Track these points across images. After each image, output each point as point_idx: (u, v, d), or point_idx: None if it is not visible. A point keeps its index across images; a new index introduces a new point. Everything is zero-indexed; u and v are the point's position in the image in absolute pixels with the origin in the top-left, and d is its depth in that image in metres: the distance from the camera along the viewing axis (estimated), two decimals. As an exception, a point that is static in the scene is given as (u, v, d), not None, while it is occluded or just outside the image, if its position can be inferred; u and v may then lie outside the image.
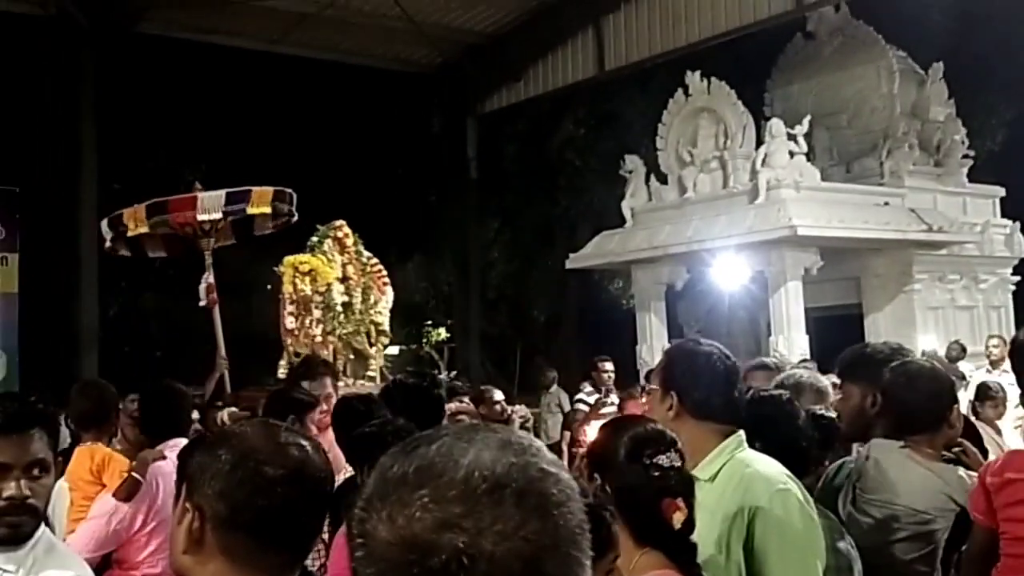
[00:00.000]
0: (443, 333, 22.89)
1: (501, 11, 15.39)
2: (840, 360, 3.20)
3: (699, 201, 13.67)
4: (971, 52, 15.85)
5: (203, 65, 15.96)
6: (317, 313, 7.89)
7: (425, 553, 0.85)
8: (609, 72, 15.07)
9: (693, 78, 13.77)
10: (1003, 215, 15.12)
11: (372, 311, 8.21)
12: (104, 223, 7.58)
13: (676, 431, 2.51)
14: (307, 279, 7.82)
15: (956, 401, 2.91)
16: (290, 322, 7.87)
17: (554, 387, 11.73)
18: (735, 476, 2.50)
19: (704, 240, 13.17)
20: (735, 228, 12.86)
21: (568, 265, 15.12)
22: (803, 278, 13.05)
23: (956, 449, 2.89)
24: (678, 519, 2.18)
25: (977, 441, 3.02)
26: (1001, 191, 15.22)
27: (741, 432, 2.58)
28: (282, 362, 7.86)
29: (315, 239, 8.05)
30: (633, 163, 14.58)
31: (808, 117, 13.32)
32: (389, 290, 8.34)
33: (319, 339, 7.88)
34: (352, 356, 8.18)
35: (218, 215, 7.19)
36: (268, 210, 7.34)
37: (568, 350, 17.23)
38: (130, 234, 7.40)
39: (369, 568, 0.88)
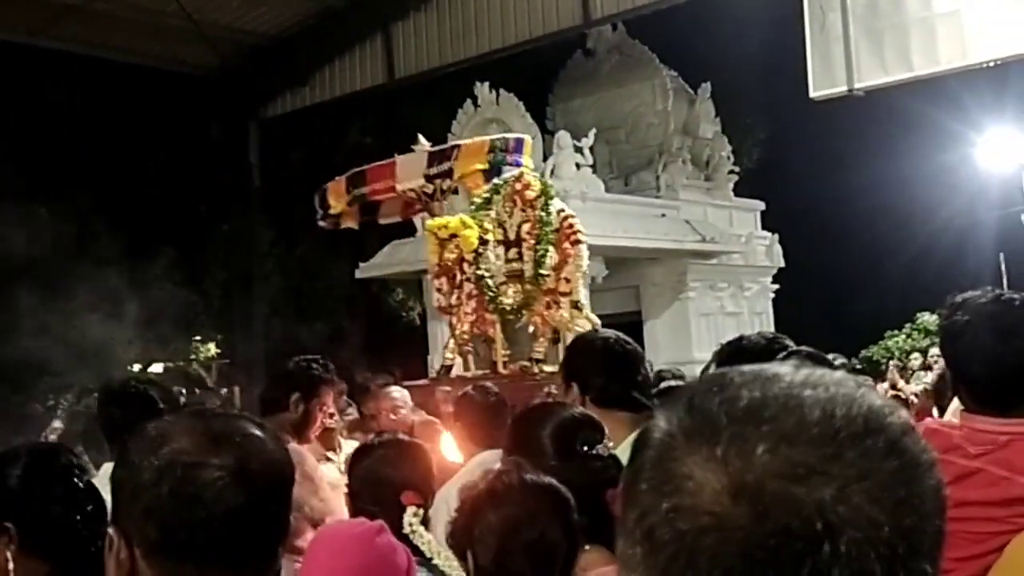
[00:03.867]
0: (212, 349, 21.86)
1: (285, 13, 14.91)
2: (717, 354, 3.24)
3: (490, 211, 13.80)
4: (731, 75, 16.97)
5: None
6: (468, 286, 6.45)
7: (777, 507, 0.64)
8: (399, 80, 14.94)
9: (482, 89, 13.95)
10: (763, 227, 16.29)
11: (548, 279, 6.37)
12: (316, 199, 6.81)
13: None
14: (451, 246, 6.37)
15: None
16: (439, 299, 6.63)
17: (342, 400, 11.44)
18: None
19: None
20: (526, 237, 13.08)
21: (358, 275, 14.85)
22: (589, 287, 13.48)
23: None
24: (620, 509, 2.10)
25: None
26: (761, 205, 16.41)
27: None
28: (450, 344, 6.56)
29: (486, 193, 6.52)
30: (423, 172, 14.53)
31: (594, 130, 13.80)
32: (581, 250, 6.46)
33: (472, 317, 6.41)
34: (545, 335, 6.40)
35: (420, 181, 6.33)
36: (482, 166, 6.38)
37: (355, 363, 16.88)
38: (332, 212, 6.54)
39: (671, 527, 0.66)
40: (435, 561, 2.26)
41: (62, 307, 15.58)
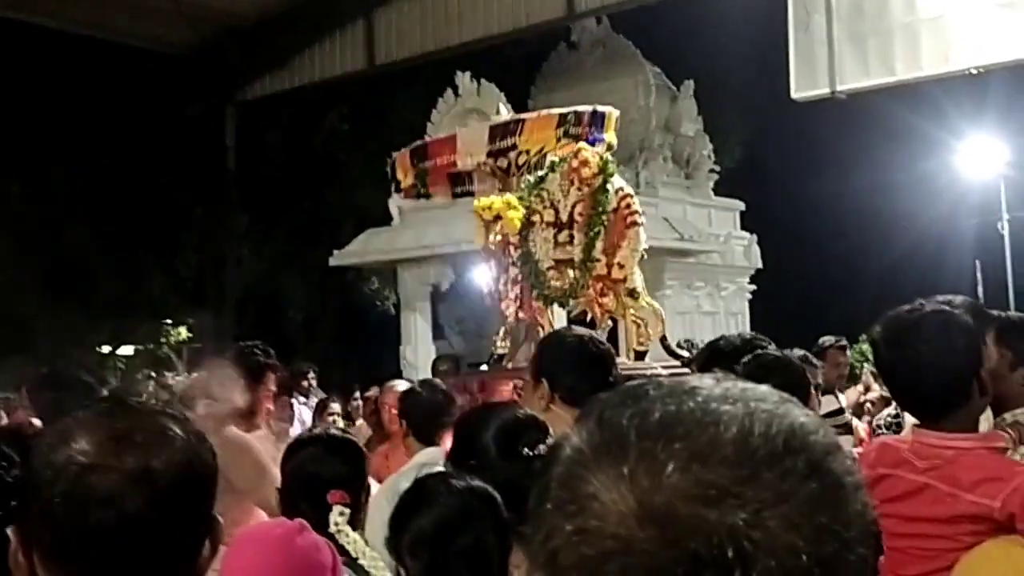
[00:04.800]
0: (184, 333, 21.70)
1: (264, -6, 14.76)
2: (696, 357, 3.18)
3: (468, 201, 13.67)
4: (714, 73, 16.93)
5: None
6: (514, 271, 5.94)
7: (686, 531, 0.59)
8: (379, 67, 14.80)
9: (463, 79, 13.83)
10: (742, 228, 16.26)
11: (599, 264, 5.68)
12: (388, 171, 6.61)
13: (550, 422, 2.40)
14: (496, 228, 5.89)
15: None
16: (488, 283, 6.15)
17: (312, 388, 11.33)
18: None
19: (473, 241, 13.18)
20: (503, 230, 12.99)
21: (332, 262, 14.71)
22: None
23: None
24: None
25: None
26: (741, 205, 16.37)
27: None
28: (500, 331, 6.04)
29: (540, 172, 5.93)
30: (401, 161, 14.43)
31: (578, 123, 13.69)
32: (638, 233, 5.75)
33: (515, 303, 5.90)
34: (604, 324, 5.84)
35: (481, 157, 5.95)
36: (549, 142, 5.90)
37: (328, 351, 16.78)
38: (403, 186, 6.29)
39: (575, 551, 0.60)
40: (360, 561, 2.24)
41: (31, 287, 15.37)
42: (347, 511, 2.38)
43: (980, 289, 20.64)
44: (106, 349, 19.00)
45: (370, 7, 14.56)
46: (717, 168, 16.12)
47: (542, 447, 2.14)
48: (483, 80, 13.76)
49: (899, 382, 2.25)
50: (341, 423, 6.88)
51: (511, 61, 15.73)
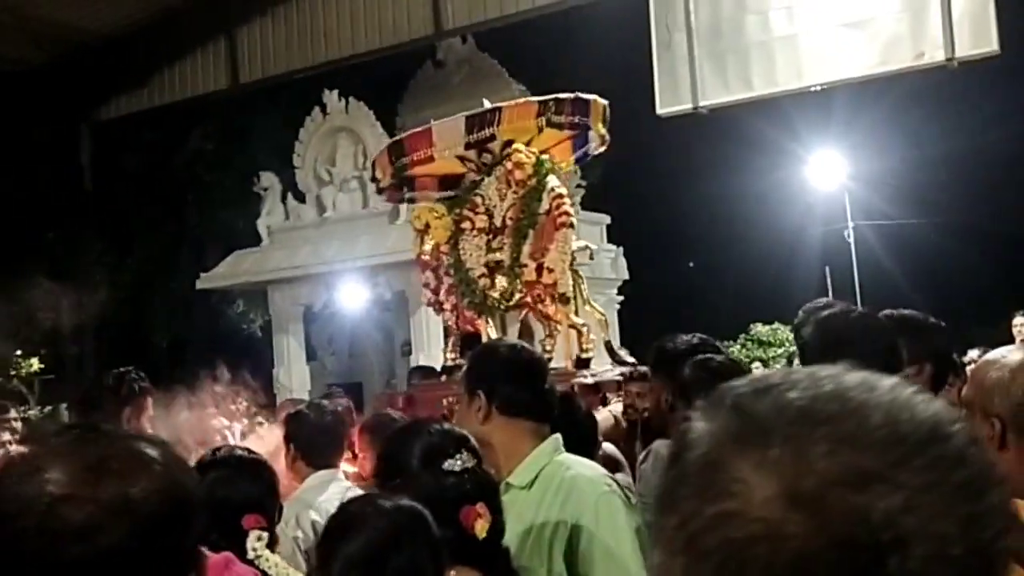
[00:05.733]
0: (35, 364, 20.63)
1: (122, 11, 14.18)
2: (649, 354, 3.24)
3: (339, 221, 13.58)
4: (578, 90, 17.22)
5: None
6: (448, 280, 5.67)
7: (838, 516, 0.58)
8: (244, 85, 14.46)
9: (331, 97, 13.75)
10: (609, 241, 16.63)
11: (527, 270, 5.39)
12: (371, 171, 6.03)
13: (488, 435, 2.38)
14: (428, 237, 5.62)
15: None
16: (426, 294, 5.79)
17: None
18: (554, 482, 2.37)
19: (346, 260, 13.08)
20: (376, 248, 12.92)
21: (199, 286, 14.29)
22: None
23: None
24: (480, 527, 2.00)
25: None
26: (607, 219, 16.75)
27: (558, 436, 2.46)
28: (449, 342, 5.76)
29: (477, 176, 5.61)
30: (268, 180, 14.18)
31: (444, 142, 13.74)
32: (567, 235, 5.45)
33: (450, 311, 5.63)
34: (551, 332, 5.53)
35: (459, 150, 5.48)
36: (529, 132, 5.50)
37: (197, 377, 16.21)
38: (382, 185, 5.77)
39: (717, 534, 0.60)
40: None
41: None
42: (264, 535, 2.30)
43: (830, 294, 21.72)
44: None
45: (232, 25, 14.23)
46: (583, 183, 16.44)
47: (450, 462, 2.11)
48: (352, 99, 13.71)
49: None
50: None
51: (378, 80, 15.66)
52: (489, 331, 5.46)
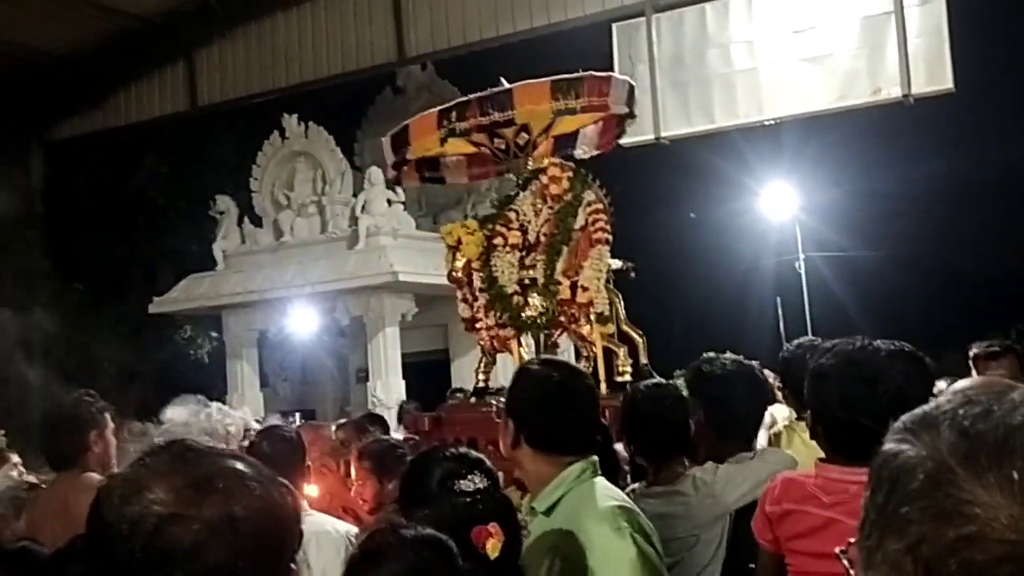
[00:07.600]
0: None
1: (77, 32, 13.96)
2: (687, 375, 3.23)
3: (296, 245, 13.46)
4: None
5: None
6: (482, 298, 5.34)
7: None
8: (202, 108, 14.32)
9: (290, 121, 13.67)
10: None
11: (561, 288, 5.13)
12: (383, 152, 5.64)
13: (518, 461, 2.40)
14: (460, 253, 5.32)
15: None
16: (463, 309, 5.44)
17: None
18: (568, 509, 2.34)
19: (304, 285, 12.95)
20: (335, 273, 12.83)
21: (152, 310, 14.07)
22: (399, 324, 13.32)
23: None
24: (492, 547, 1.95)
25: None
26: (565, 246, 16.82)
27: (589, 460, 2.39)
28: (481, 363, 5.53)
29: (512, 190, 5.29)
30: (225, 204, 14.03)
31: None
32: (602, 252, 5.18)
33: (489, 331, 5.31)
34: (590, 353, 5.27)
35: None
36: (546, 115, 5.09)
37: (146, 402, 15.86)
38: (410, 156, 5.44)
39: (958, 558, 0.60)
40: None
41: None
42: None
43: (781, 324, 21.99)
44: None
45: (190, 47, 14.09)
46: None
47: (462, 482, 2.10)
48: (311, 124, 13.65)
49: (853, 417, 2.19)
50: None
51: (337, 105, 15.61)
52: (522, 352, 5.18)
